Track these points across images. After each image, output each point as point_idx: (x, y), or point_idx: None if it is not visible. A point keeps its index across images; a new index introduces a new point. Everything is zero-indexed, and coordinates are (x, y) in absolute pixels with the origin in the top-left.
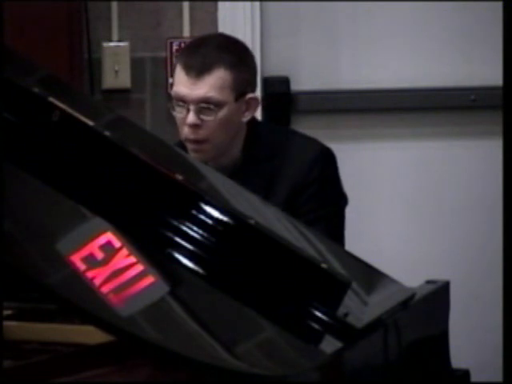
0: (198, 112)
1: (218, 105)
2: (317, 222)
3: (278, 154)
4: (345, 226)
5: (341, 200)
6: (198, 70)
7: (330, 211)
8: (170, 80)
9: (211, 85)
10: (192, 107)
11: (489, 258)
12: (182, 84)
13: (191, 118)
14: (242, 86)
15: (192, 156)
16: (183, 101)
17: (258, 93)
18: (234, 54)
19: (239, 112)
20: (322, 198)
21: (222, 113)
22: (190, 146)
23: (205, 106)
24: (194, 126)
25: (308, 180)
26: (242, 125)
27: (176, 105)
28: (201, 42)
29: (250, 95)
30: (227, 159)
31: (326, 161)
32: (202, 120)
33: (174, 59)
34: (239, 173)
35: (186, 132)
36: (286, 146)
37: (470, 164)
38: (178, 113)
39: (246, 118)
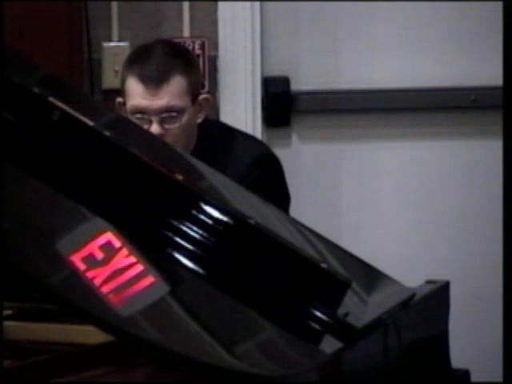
0: (161, 122)
1: (180, 111)
2: None
3: (221, 156)
4: None
5: (284, 200)
6: (156, 80)
7: None
8: None
9: (171, 93)
10: (155, 118)
11: (489, 258)
12: (141, 96)
13: (156, 128)
14: (195, 88)
15: None
16: (144, 113)
17: (258, 92)
18: (183, 58)
19: (196, 114)
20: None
21: (184, 118)
22: None
23: (167, 115)
24: (159, 136)
25: (247, 182)
26: (196, 126)
27: (135, 117)
28: (146, 51)
29: (202, 96)
30: None
31: (265, 164)
32: (165, 129)
33: (120, 72)
34: None
35: None
36: (230, 147)
37: (470, 164)
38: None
39: (200, 118)
